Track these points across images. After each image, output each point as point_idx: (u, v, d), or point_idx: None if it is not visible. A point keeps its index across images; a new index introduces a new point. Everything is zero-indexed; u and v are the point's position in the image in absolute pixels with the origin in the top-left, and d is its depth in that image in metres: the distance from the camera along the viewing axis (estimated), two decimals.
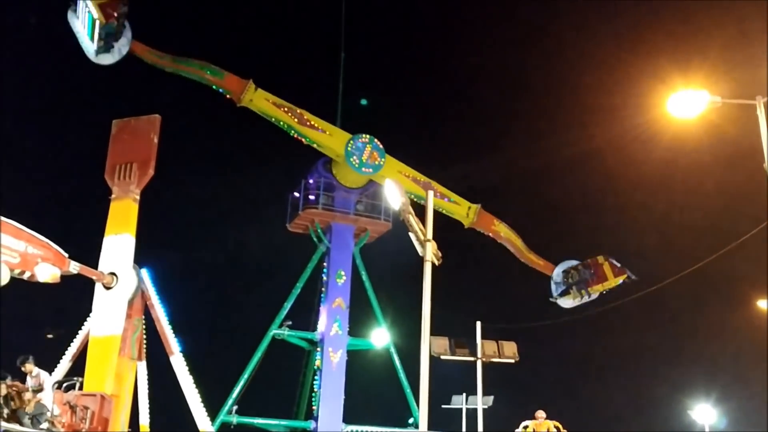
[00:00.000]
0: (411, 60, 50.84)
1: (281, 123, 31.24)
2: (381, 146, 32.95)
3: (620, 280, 31.29)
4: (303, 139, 31.93)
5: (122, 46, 26.22)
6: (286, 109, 30.99)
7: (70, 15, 25.59)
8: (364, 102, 39.71)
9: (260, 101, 30.45)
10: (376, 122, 35.23)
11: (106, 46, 25.82)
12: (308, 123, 31.55)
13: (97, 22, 25.50)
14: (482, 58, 48.99)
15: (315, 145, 32.40)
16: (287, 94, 31.54)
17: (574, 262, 32.88)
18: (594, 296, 32.20)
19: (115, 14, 25.49)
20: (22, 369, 17.29)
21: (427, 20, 51.82)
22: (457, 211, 33.54)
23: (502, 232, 33.62)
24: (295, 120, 31.17)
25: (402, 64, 51.25)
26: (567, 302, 32.56)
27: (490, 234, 33.81)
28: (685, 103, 15.51)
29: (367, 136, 32.83)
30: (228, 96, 30.18)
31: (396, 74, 50.04)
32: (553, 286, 32.92)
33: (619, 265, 31.60)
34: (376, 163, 32.80)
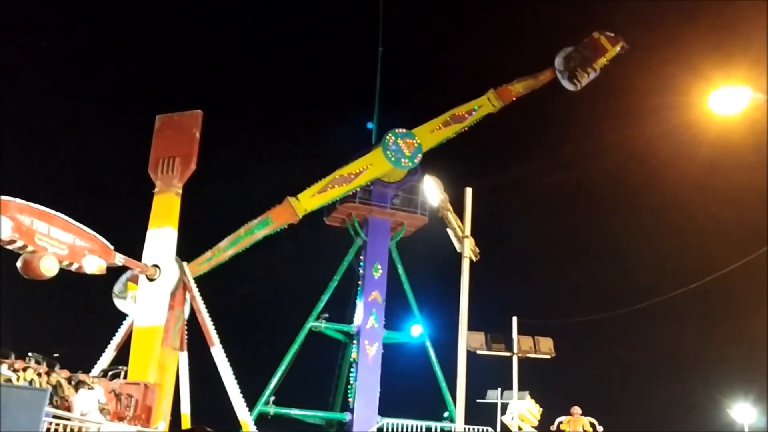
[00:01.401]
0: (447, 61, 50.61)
1: (340, 195, 31.55)
2: (404, 131, 32.68)
3: (618, 48, 31.51)
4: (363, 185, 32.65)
5: None
6: (331, 185, 30.47)
7: None
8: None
9: (309, 203, 29.68)
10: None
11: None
12: (352, 176, 31.12)
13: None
14: (518, 60, 48.72)
15: (372, 179, 32.75)
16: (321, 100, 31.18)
17: (569, 48, 32.77)
18: (597, 72, 32.36)
19: None
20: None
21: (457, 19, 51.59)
22: (484, 110, 32.81)
23: (521, 89, 33.24)
24: (344, 185, 30.80)
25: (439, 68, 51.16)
26: (579, 85, 32.57)
27: (515, 98, 33.26)
28: (727, 100, 15.32)
29: (390, 135, 32.65)
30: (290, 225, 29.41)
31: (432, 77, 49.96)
32: (558, 76, 32.77)
33: (613, 35, 31.79)
34: (415, 146, 32.88)
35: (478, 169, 38.31)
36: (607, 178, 40.64)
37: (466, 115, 32.68)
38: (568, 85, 32.78)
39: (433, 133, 32.70)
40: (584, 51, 32.05)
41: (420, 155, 32.68)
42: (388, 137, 32.58)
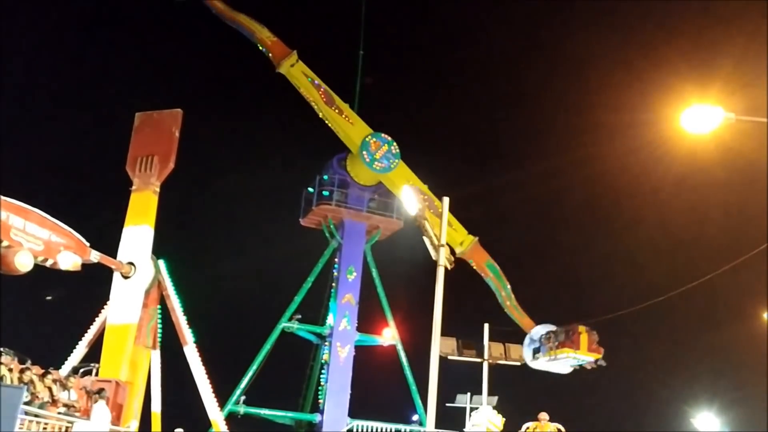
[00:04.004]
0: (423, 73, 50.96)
1: (310, 99, 32.18)
2: (397, 150, 33.33)
3: (592, 357, 29.35)
4: (326, 121, 32.72)
5: None
6: (319, 86, 32.16)
7: None
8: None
9: (297, 72, 32.01)
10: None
11: None
12: (335, 107, 32.46)
13: None
14: (490, 76, 49.27)
15: (335, 129, 32.95)
16: None
17: (553, 327, 30.86)
18: (560, 359, 29.75)
19: None
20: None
21: (434, 32, 51.94)
22: (453, 238, 31.49)
23: (492, 273, 32.52)
24: (324, 99, 32.14)
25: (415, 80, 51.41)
26: (535, 362, 30.56)
27: (478, 270, 32.62)
28: (698, 119, 15.71)
29: (389, 137, 33.27)
30: (269, 56, 32.00)
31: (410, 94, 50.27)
32: (527, 341, 30.86)
33: (597, 341, 29.64)
34: (388, 163, 33.14)
35: (454, 179, 38.60)
36: (579, 191, 41.25)
37: (439, 215, 32.14)
38: (527, 354, 30.53)
39: (407, 182, 31.29)
40: (560, 335, 29.97)
41: (381, 172, 33.21)
42: (384, 135, 33.12)
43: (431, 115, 48.30)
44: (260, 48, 32.27)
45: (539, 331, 31.01)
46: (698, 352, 40.47)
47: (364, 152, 32.89)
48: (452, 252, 31.83)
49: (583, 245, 43.28)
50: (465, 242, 32.43)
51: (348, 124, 32.82)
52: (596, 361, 29.43)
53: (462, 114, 48.21)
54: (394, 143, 33.30)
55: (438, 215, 32.41)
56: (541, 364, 30.21)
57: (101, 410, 17.80)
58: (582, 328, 29.62)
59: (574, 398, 39.08)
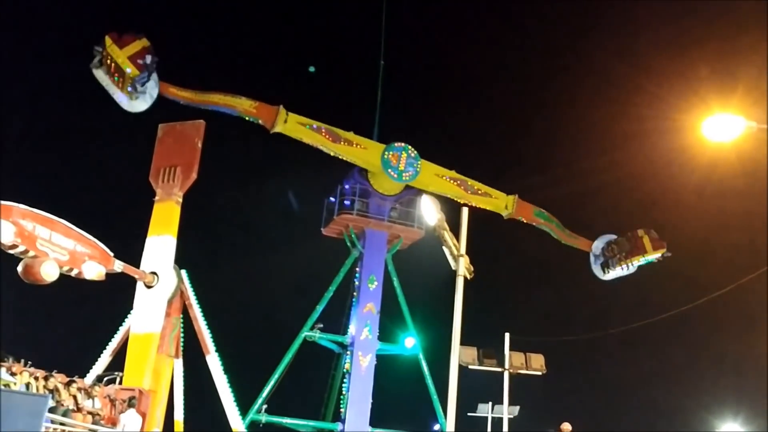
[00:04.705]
0: (447, 78, 51.07)
1: (316, 144, 31.58)
2: (415, 152, 33.54)
3: (659, 253, 31.30)
4: (339, 156, 32.52)
5: (152, 90, 25.61)
6: (319, 128, 31.31)
7: (94, 70, 25.02)
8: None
9: (293, 126, 30.65)
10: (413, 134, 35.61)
11: (136, 93, 25.30)
12: (343, 140, 32.02)
13: (128, 72, 24.68)
14: (511, 84, 49.23)
15: (352, 160, 33.12)
16: (322, 109, 31.81)
17: (613, 236, 33.01)
18: (633, 269, 32.23)
19: (145, 64, 24.94)
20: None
21: (457, 37, 52.06)
22: (496, 204, 33.90)
23: (542, 218, 34.03)
24: (330, 139, 31.50)
25: (439, 82, 51.55)
26: (608, 274, 32.84)
27: (531, 222, 34.20)
28: (720, 127, 15.64)
29: (401, 143, 33.43)
30: (259, 123, 30.10)
31: (433, 90, 50.36)
32: (592, 259, 33.23)
33: (657, 237, 31.67)
34: (414, 169, 33.45)
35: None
36: (600, 199, 41.05)
37: (476, 192, 33.31)
38: (597, 270, 33.15)
39: (436, 177, 33.43)
40: (624, 244, 32.14)
41: (409, 180, 33.35)
42: (396, 144, 33.21)
43: (452, 122, 48.33)
44: (247, 119, 30.03)
45: (598, 245, 33.00)
46: (723, 362, 40.02)
47: (389, 170, 33.23)
48: (500, 217, 33.60)
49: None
50: (509, 204, 33.75)
51: (361, 151, 32.82)
52: (662, 255, 31.45)
53: (484, 121, 48.24)
54: (409, 147, 33.49)
55: (474, 192, 33.37)
56: (615, 274, 32.52)
57: (132, 418, 18.04)
58: (641, 232, 31.73)
59: (596, 408, 38.82)
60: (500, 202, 33.89)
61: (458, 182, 33.50)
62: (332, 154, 32.31)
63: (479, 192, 33.76)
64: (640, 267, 32.43)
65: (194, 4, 51.58)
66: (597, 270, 33.14)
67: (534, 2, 48.10)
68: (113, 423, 19.42)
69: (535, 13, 46.50)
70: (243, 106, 29.39)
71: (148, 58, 25.03)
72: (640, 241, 31.57)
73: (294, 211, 38.82)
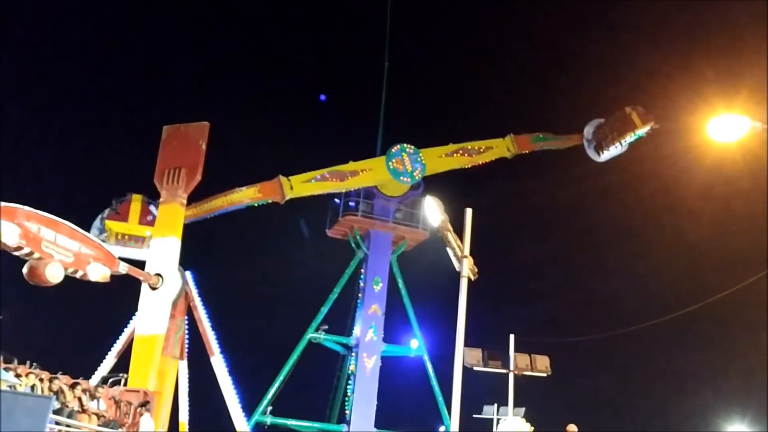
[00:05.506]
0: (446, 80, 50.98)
1: (327, 191, 32.14)
2: (412, 147, 33.84)
3: (647, 127, 31.16)
4: (352, 189, 33.23)
5: None
6: (323, 176, 31.56)
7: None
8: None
9: (300, 187, 30.69)
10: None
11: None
12: (349, 175, 32.29)
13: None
14: (514, 82, 49.14)
15: (365, 185, 33.65)
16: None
17: (601, 120, 33.21)
18: (626, 147, 32.30)
19: (154, 216, 24.91)
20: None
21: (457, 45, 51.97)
22: (499, 151, 34.25)
23: (539, 141, 34.43)
24: (337, 181, 31.83)
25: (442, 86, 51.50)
26: (603, 155, 32.98)
27: (533, 149, 34.56)
28: (725, 128, 15.58)
29: (397, 146, 33.68)
30: (269, 203, 30.07)
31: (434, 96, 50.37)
32: (585, 144, 33.49)
33: (644, 111, 31.57)
34: (418, 165, 33.74)
35: (478, 185, 38.59)
36: (605, 199, 40.94)
37: (478, 151, 33.45)
38: (592, 154, 33.40)
39: (440, 158, 33.77)
40: (614, 124, 32.25)
41: (421, 175, 33.49)
42: (393, 149, 33.35)
43: (455, 123, 48.23)
44: (257, 205, 29.99)
45: (589, 130, 33.32)
46: (731, 362, 39.85)
47: (401, 177, 33.71)
48: (504, 158, 33.98)
49: (608, 253, 42.89)
50: (509, 145, 34.07)
51: (369, 174, 33.16)
52: (651, 128, 31.33)
53: (487, 119, 48.13)
54: (405, 145, 33.84)
55: (477, 153, 33.51)
56: (611, 153, 32.65)
57: (147, 422, 18.05)
58: (629, 109, 31.64)
59: (602, 409, 38.70)
60: (501, 148, 34.22)
61: (460, 151, 33.85)
62: (343, 191, 33.29)
63: (481, 150, 34.08)
64: (630, 144, 32.49)
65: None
66: (592, 153, 33.35)
67: (538, 1, 48.10)
68: (122, 425, 19.44)
69: (542, 15, 46.44)
70: (248, 196, 29.21)
71: (153, 209, 25.31)
72: (629, 117, 31.57)
73: (304, 237, 38.97)
